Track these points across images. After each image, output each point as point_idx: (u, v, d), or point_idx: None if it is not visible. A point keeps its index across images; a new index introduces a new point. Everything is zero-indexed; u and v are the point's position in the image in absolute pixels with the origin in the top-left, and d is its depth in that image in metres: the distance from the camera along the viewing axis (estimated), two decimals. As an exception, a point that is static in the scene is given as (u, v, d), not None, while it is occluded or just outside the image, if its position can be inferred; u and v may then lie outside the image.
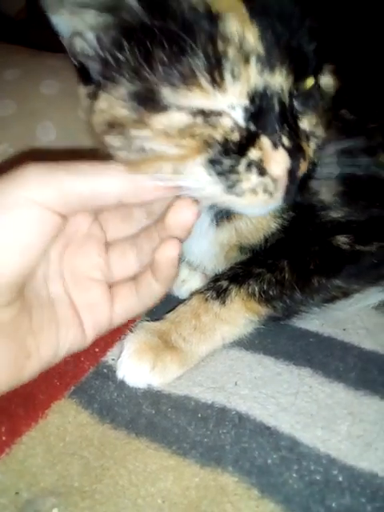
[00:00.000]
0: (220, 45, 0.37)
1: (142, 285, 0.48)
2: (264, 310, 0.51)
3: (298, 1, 0.41)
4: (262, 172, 0.40)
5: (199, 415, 0.44)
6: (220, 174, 0.40)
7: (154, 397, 0.46)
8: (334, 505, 0.35)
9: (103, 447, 0.42)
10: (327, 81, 0.45)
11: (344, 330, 0.53)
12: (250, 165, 0.40)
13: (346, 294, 0.54)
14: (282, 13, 0.39)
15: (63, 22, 0.41)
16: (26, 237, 0.39)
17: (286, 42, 0.39)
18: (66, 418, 0.44)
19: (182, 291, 0.61)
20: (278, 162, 0.39)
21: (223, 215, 0.51)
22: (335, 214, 0.51)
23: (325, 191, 0.51)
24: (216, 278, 0.53)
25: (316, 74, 0.42)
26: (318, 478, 0.37)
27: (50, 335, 0.44)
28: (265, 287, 0.50)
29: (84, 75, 0.44)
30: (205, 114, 0.39)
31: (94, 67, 0.42)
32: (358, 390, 0.45)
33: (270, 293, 0.50)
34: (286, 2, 0.40)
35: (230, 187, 0.40)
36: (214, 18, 0.38)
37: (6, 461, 0.41)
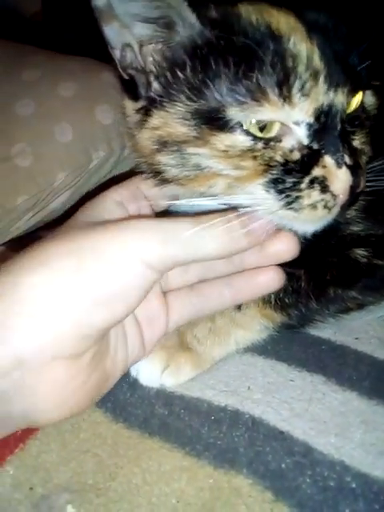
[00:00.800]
0: (289, 62, 0.38)
1: (204, 292, 0.47)
2: (279, 317, 0.52)
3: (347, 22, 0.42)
4: (325, 189, 0.40)
5: (212, 417, 0.44)
6: (280, 191, 0.40)
7: (166, 398, 0.47)
8: (347, 511, 0.35)
9: (117, 446, 0.42)
10: (370, 100, 0.46)
11: (356, 338, 0.53)
12: (312, 182, 0.40)
13: (360, 306, 0.54)
14: (335, 32, 0.40)
15: (115, 33, 0.41)
16: (130, 293, 0.38)
17: (343, 61, 0.39)
18: (80, 415, 0.44)
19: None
20: (342, 180, 0.40)
21: None
22: (355, 228, 0.52)
23: None
24: None
25: (369, 86, 0.43)
26: (331, 484, 0.37)
27: (123, 355, 0.44)
28: (281, 295, 0.51)
29: (130, 88, 0.44)
30: (266, 140, 0.40)
31: (144, 82, 0.42)
32: (372, 399, 0.45)
33: (286, 301, 0.51)
34: (336, 22, 0.41)
35: (290, 203, 0.40)
36: (276, 36, 0.38)
37: (21, 456, 0.41)
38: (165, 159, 0.42)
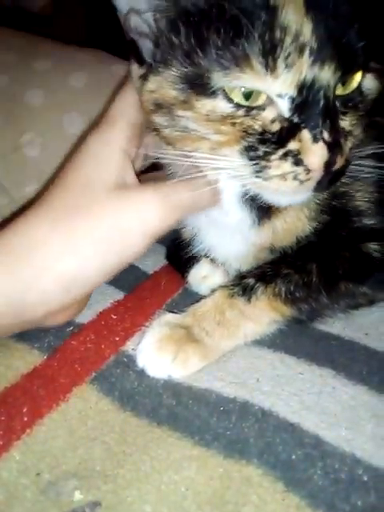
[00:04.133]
0: (277, 33, 0.38)
1: None
2: (289, 311, 0.51)
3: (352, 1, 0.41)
4: (298, 162, 0.41)
5: (221, 408, 0.43)
6: (251, 158, 0.42)
7: (174, 388, 0.46)
8: (359, 503, 0.35)
9: (125, 434, 0.41)
10: (370, 83, 0.45)
11: (366, 334, 0.53)
12: (286, 154, 0.41)
13: (371, 302, 0.54)
14: (335, 9, 0.40)
15: None
16: (129, 257, 0.48)
17: (336, 39, 0.39)
18: (87, 403, 0.44)
19: (202, 287, 0.61)
20: (317, 155, 0.40)
21: (264, 215, 0.52)
22: (368, 221, 0.52)
23: (360, 197, 0.51)
24: (242, 275, 0.53)
25: (363, 70, 0.43)
26: (342, 476, 0.37)
27: None
28: (292, 288, 0.50)
29: (136, 55, 0.46)
30: (247, 108, 0.41)
31: (147, 46, 0.44)
32: (382, 394, 0.45)
33: (297, 294, 0.50)
34: (340, 1, 0.41)
35: (258, 172, 0.42)
36: (270, 7, 0.39)
37: (28, 442, 0.40)
38: (159, 120, 0.45)
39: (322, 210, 0.51)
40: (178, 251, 0.64)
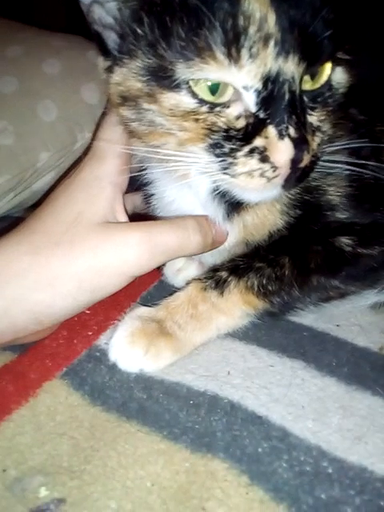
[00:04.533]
0: (240, 22, 0.37)
1: None
2: (261, 304, 0.51)
3: None
4: (265, 159, 0.40)
5: (191, 402, 0.44)
6: (217, 155, 0.42)
7: (145, 382, 0.46)
8: (323, 496, 0.36)
9: (93, 429, 0.41)
10: (340, 77, 0.44)
11: (338, 325, 0.53)
12: (252, 151, 0.41)
13: (342, 295, 0.54)
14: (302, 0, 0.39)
15: None
16: (108, 291, 0.48)
17: (301, 29, 0.39)
18: (56, 398, 0.44)
19: (177, 280, 0.61)
20: (282, 151, 0.40)
21: (233, 209, 0.51)
22: (340, 215, 0.51)
23: (333, 191, 0.51)
24: (216, 268, 0.53)
25: (331, 61, 0.42)
26: (307, 468, 0.37)
27: None
28: (264, 282, 0.50)
29: (101, 46, 0.44)
30: (211, 104, 0.40)
31: (111, 38, 0.43)
32: (350, 385, 0.45)
33: (269, 288, 0.50)
34: None
35: (226, 168, 0.42)
36: None
37: (-6, 438, 0.40)
38: (126, 113, 0.44)
39: (294, 205, 0.51)
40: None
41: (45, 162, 0.77)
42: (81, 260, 0.45)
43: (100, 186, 0.48)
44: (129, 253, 0.46)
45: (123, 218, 0.49)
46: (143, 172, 0.53)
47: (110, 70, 0.44)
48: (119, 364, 0.48)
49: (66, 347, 0.50)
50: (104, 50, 0.45)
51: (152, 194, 0.55)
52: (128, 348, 0.48)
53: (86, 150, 0.51)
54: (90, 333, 0.52)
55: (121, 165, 0.48)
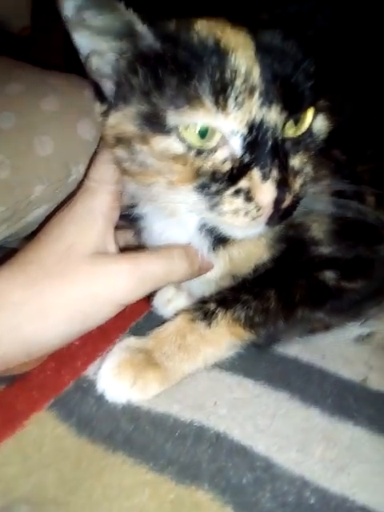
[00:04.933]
0: (228, 74, 0.41)
1: None
2: (247, 336, 0.52)
3: (303, 43, 0.44)
4: (249, 199, 0.43)
5: (177, 433, 0.44)
6: (206, 195, 0.44)
7: (133, 412, 0.47)
8: (305, 526, 0.36)
9: (79, 460, 0.42)
10: (321, 124, 0.48)
11: (322, 357, 0.54)
12: (238, 192, 0.43)
13: (326, 327, 0.55)
14: (283, 52, 0.43)
15: (84, 41, 0.44)
16: (97, 322, 0.49)
17: (283, 81, 0.42)
18: (43, 429, 0.44)
19: (166, 310, 0.62)
20: (266, 193, 0.42)
21: (218, 242, 0.53)
22: (324, 250, 0.53)
23: (316, 227, 0.53)
24: (204, 300, 0.54)
25: (312, 108, 0.45)
26: (290, 499, 0.38)
27: None
28: (251, 314, 0.52)
29: (98, 93, 0.47)
30: (199, 150, 0.43)
31: (108, 86, 0.46)
32: (334, 416, 0.46)
33: (256, 319, 0.52)
34: (290, 44, 0.44)
35: (213, 207, 0.44)
36: (221, 52, 0.41)
37: (-19, 469, 0.40)
38: (119, 153, 0.47)
39: (279, 239, 0.53)
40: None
41: (39, 194, 0.79)
42: (73, 290, 0.46)
43: (92, 219, 0.49)
44: (119, 282, 0.47)
45: (113, 249, 0.50)
46: (134, 208, 0.55)
47: (105, 114, 0.47)
48: (107, 395, 0.48)
49: (54, 378, 0.50)
50: (100, 96, 0.47)
51: (143, 228, 0.57)
52: (115, 379, 0.48)
53: (79, 185, 0.53)
54: (79, 363, 0.52)
55: (112, 200, 0.50)
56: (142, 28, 0.42)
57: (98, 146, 0.53)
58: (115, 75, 0.45)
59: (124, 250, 0.53)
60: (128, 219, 0.55)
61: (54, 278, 0.47)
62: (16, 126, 0.81)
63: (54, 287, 0.46)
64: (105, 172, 0.51)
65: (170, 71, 0.41)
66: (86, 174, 0.54)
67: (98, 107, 0.48)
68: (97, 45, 0.44)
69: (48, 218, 0.58)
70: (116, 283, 0.47)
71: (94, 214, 0.50)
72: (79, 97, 0.86)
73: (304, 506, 0.37)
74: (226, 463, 0.41)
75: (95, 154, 0.53)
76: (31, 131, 0.81)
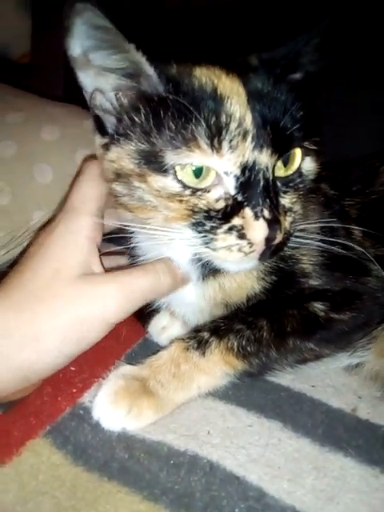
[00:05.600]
0: (223, 119, 0.44)
1: None
2: (240, 365, 0.54)
3: (291, 87, 0.48)
4: (242, 236, 0.46)
5: (172, 462, 0.45)
6: (200, 232, 0.47)
7: (127, 441, 0.47)
8: None
9: (75, 488, 0.42)
10: (309, 165, 0.51)
11: (313, 386, 0.56)
12: (231, 229, 0.46)
13: (317, 357, 0.57)
14: (274, 99, 0.46)
15: (89, 79, 0.48)
16: (88, 341, 0.50)
17: (273, 125, 0.45)
18: (39, 457, 0.45)
19: (161, 338, 0.64)
20: (257, 230, 0.45)
21: (209, 272, 0.55)
22: (313, 282, 0.56)
23: (306, 260, 0.56)
24: (198, 329, 0.55)
25: (300, 148, 0.48)
26: (282, 529, 0.39)
27: None
28: (244, 343, 0.53)
29: (99, 126, 0.50)
30: (194, 189, 0.46)
31: (110, 121, 0.49)
32: (324, 446, 0.47)
33: (248, 349, 0.53)
34: (279, 88, 0.47)
35: (207, 243, 0.47)
36: (218, 97, 0.44)
37: (-23, 497, 0.41)
38: (118, 188, 0.49)
39: (270, 272, 0.55)
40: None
41: (37, 220, 0.81)
42: (63, 314, 0.48)
43: (75, 241, 0.50)
44: (107, 302, 0.49)
45: (98, 269, 0.51)
46: (129, 236, 0.56)
47: (106, 147, 0.49)
48: (102, 423, 0.49)
49: (50, 405, 0.51)
50: (101, 130, 0.50)
51: (137, 256, 0.59)
52: (111, 408, 0.49)
53: (60, 207, 0.54)
54: (75, 390, 0.53)
55: (95, 221, 0.51)
56: (149, 70, 0.45)
57: (80, 169, 0.54)
58: (117, 112, 0.48)
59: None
60: (120, 242, 0.57)
61: (43, 302, 0.48)
62: (17, 155, 0.83)
63: (44, 312, 0.47)
64: (87, 193, 0.52)
65: (170, 113, 0.44)
66: (66, 197, 0.54)
67: (99, 139, 0.51)
68: (102, 83, 0.47)
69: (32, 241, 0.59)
70: (105, 303, 0.49)
71: (77, 236, 0.50)
72: (79, 127, 0.89)
73: (295, 535, 0.38)
74: (219, 493, 0.42)
75: (77, 175, 0.55)
76: (31, 159, 0.84)
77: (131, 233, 0.56)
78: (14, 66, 1.55)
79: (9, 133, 0.86)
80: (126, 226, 0.52)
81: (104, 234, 0.58)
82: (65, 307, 0.48)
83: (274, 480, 0.43)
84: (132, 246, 0.57)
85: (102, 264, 0.52)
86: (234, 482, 0.43)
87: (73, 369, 0.56)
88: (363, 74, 0.88)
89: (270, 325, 0.54)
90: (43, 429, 0.48)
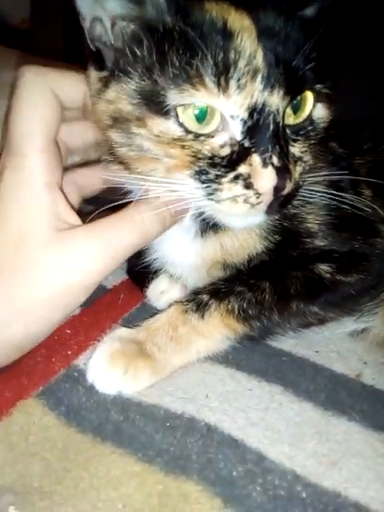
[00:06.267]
0: (232, 55, 0.40)
1: None
2: (241, 328, 0.51)
3: (304, 25, 0.44)
4: (248, 186, 0.42)
5: (168, 424, 0.43)
6: (203, 182, 0.43)
7: (123, 404, 0.46)
8: (296, 520, 0.35)
9: (67, 450, 0.41)
10: (321, 112, 0.47)
11: (316, 352, 0.54)
12: (237, 177, 0.42)
13: (321, 322, 0.55)
14: (286, 36, 0.42)
15: (87, 6, 0.43)
16: (73, 302, 0.47)
17: (285, 64, 0.41)
18: (31, 417, 0.43)
19: (160, 303, 0.61)
20: (266, 179, 0.41)
21: (209, 228, 0.52)
22: (319, 243, 0.53)
23: (312, 219, 0.53)
24: (197, 291, 0.53)
25: (312, 92, 0.45)
26: (281, 493, 0.37)
27: None
28: (244, 306, 0.51)
29: (97, 60, 0.45)
30: (196, 134, 0.42)
31: (110, 55, 0.44)
32: (327, 411, 0.45)
33: (249, 312, 0.51)
34: (291, 26, 0.43)
35: (211, 194, 0.43)
36: (227, 33, 0.40)
37: (-35, 457, 0.39)
38: (115, 136, 0.44)
39: (273, 230, 0.52)
40: (138, 265, 0.64)
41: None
42: (44, 284, 0.43)
43: (30, 194, 0.42)
44: (92, 264, 0.44)
45: (72, 218, 0.45)
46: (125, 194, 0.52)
47: (105, 84, 0.44)
48: (97, 385, 0.47)
49: (44, 366, 0.49)
50: (100, 64, 0.45)
51: None
52: (106, 369, 0.47)
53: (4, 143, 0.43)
54: (69, 352, 0.52)
55: (48, 156, 0.43)
56: None
57: (11, 99, 0.45)
58: (118, 45, 0.43)
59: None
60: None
61: (17, 274, 0.43)
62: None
63: (23, 287, 0.43)
64: (29, 118, 0.42)
65: (175, 48, 0.40)
66: (3, 137, 0.44)
67: (97, 74, 0.46)
68: (103, 11, 0.42)
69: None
70: (90, 267, 0.44)
71: (30, 187, 0.42)
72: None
73: (295, 500, 0.37)
74: (216, 455, 0.40)
75: (8, 109, 0.45)
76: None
77: (125, 193, 0.53)
78: (13, 31, 1.51)
79: (4, 92, 0.82)
80: (120, 184, 0.49)
81: (92, 197, 0.53)
82: (44, 277, 0.43)
83: (274, 444, 0.41)
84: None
85: (74, 211, 0.46)
86: (232, 444, 0.41)
87: (68, 331, 0.55)
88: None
89: (272, 287, 0.52)
90: (35, 389, 0.46)
